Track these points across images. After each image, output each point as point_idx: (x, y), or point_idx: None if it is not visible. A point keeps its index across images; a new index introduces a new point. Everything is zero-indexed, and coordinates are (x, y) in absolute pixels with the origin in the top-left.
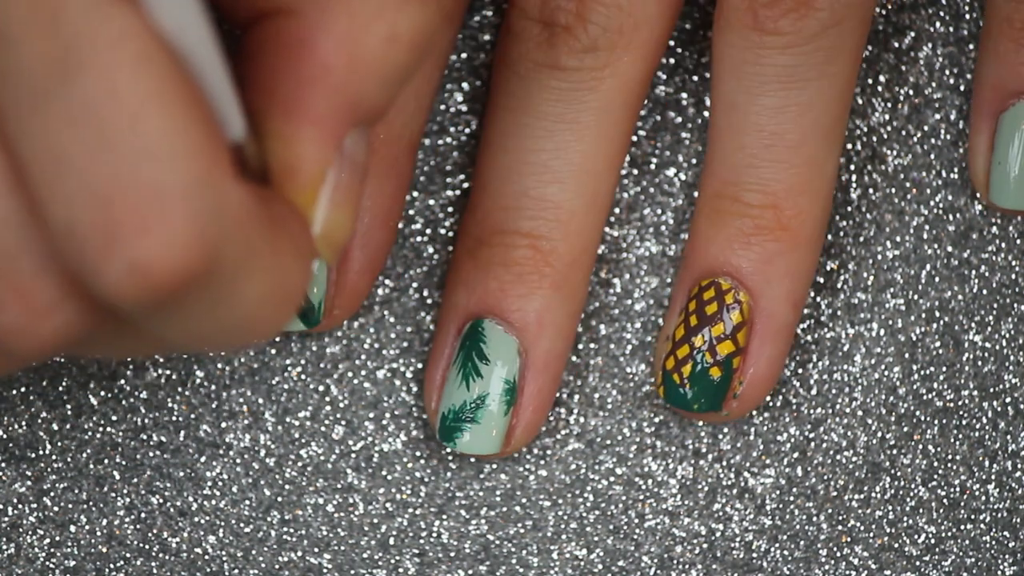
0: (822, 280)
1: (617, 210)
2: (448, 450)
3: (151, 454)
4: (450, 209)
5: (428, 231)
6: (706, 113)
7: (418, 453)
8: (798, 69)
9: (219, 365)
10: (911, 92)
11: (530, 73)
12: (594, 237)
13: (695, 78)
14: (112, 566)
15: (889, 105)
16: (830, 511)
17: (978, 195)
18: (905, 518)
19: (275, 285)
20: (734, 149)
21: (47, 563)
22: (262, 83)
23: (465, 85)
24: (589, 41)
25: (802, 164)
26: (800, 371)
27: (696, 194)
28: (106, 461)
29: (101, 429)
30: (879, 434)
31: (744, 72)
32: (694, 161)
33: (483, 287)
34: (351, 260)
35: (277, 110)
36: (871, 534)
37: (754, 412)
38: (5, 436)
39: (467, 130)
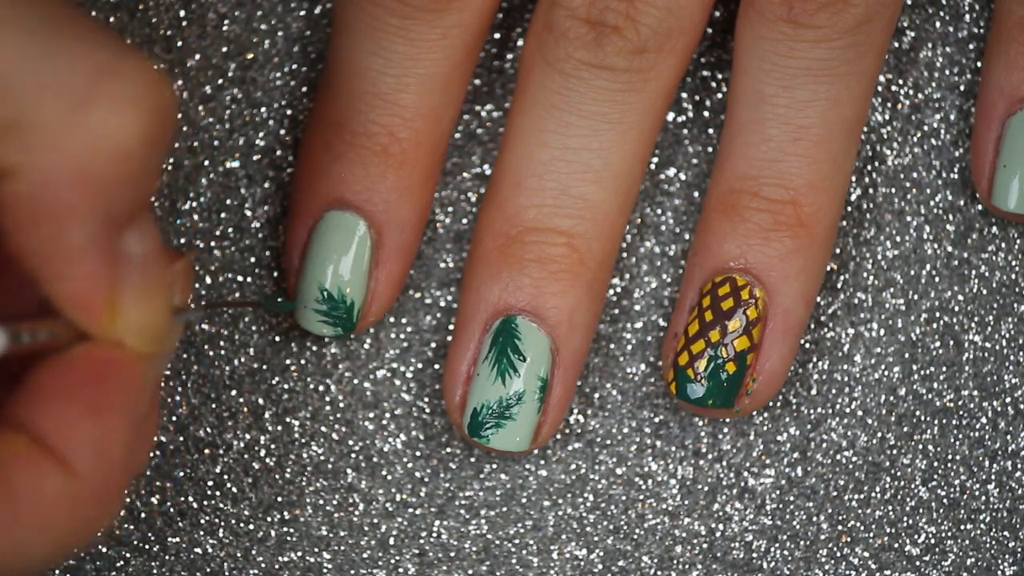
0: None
1: None
2: (448, 450)
3: (151, 454)
4: (450, 209)
5: (427, 232)
6: (706, 113)
7: (418, 453)
8: (830, 63)
9: (219, 365)
10: (911, 92)
11: (576, 71)
12: (620, 238)
13: (695, 79)
14: (112, 566)
15: (889, 105)
16: (830, 511)
17: (978, 197)
18: (905, 518)
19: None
20: (759, 141)
21: None
22: (14, 239)
23: None
24: (639, 42)
25: (825, 160)
26: (800, 371)
27: (696, 194)
28: None
29: None
30: (879, 434)
31: (774, 64)
32: (694, 161)
33: (516, 284)
34: (388, 266)
35: (38, 256)
36: (871, 534)
37: (754, 412)
38: None
39: (466, 131)
